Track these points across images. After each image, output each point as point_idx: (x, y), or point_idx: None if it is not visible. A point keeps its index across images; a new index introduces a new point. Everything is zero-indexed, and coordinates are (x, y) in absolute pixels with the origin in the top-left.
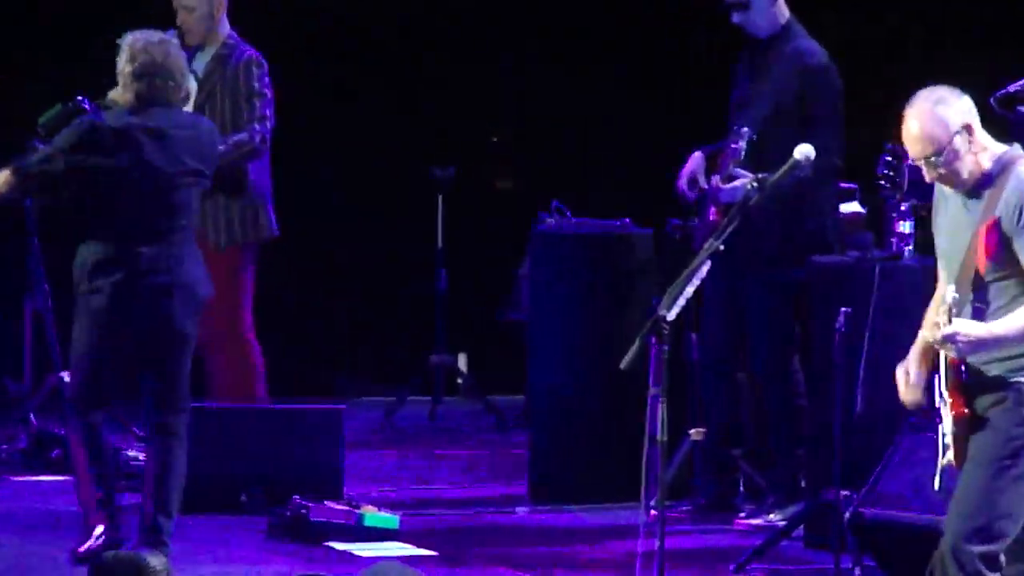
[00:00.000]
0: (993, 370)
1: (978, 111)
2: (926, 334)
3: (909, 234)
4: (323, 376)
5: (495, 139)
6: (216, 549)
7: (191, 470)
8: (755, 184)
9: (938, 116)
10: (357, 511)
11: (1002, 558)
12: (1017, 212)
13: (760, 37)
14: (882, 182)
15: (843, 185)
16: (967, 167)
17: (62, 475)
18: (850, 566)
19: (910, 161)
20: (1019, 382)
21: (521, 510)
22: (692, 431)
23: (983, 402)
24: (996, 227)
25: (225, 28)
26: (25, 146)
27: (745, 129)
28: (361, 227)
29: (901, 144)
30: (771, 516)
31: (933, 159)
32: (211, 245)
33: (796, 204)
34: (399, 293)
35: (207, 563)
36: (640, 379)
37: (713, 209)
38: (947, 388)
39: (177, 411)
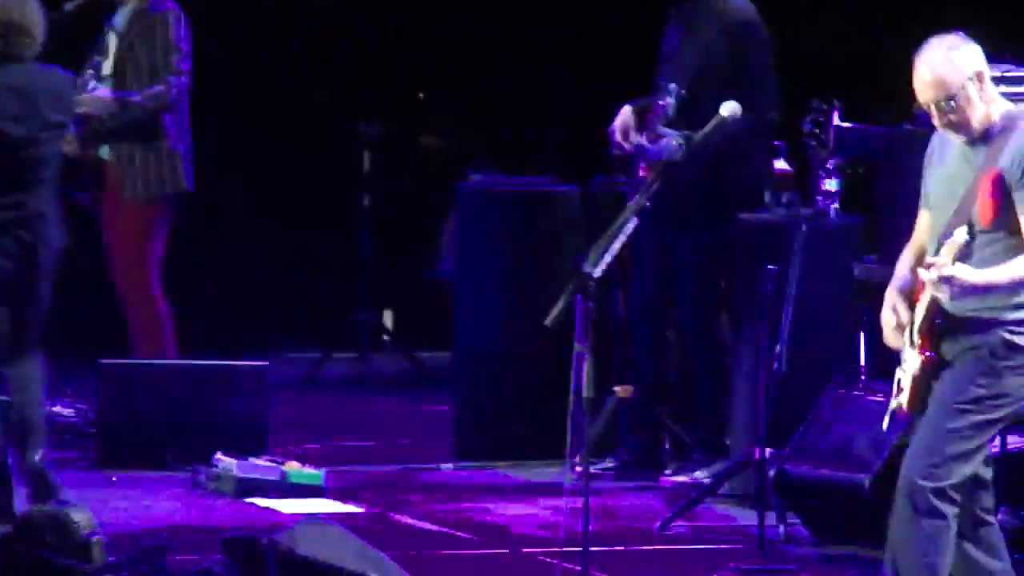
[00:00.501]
0: (972, 314)
1: (904, 69)
2: (922, 271)
3: (835, 192)
4: (248, 332)
5: (422, 95)
6: (141, 505)
7: (117, 426)
8: (681, 142)
9: (950, 61)
10: (282, 467)
11: (954, 494)
12: (1021, 165)
13: None
14: (808, 140)
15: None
16: (977, 114)
17: None
18: (775, 524)
19: (921, 108)
20: (994, 333)
21: (446, 467)
22: (617, 388)
23: (953, 348)
24: (999, 179)
25: None
26: None
27: (673, 86)
28: (287, 183)
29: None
30: (696, 474)
31: (944, 104)
32: (126, 198)
33: (726, 161)
34: (325, 249)
35: (132, 519)
36: (566, 336)
37: (641, 166)
38: (919, 331)
39: (32, 359)
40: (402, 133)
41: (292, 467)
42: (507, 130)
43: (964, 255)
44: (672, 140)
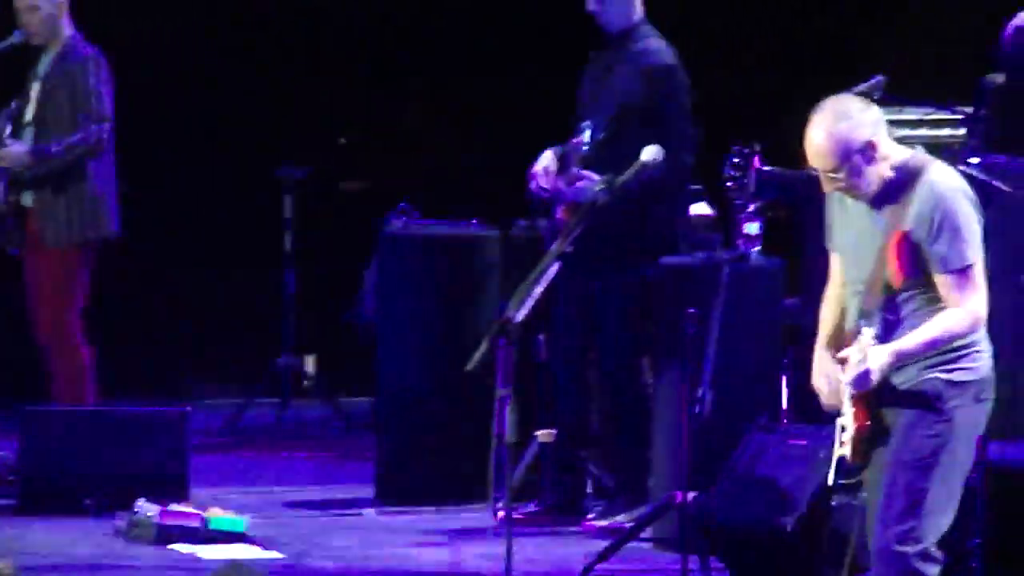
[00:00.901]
0: (902, 378)
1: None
2: (842, 379)
3: (757, 235)
4: (168, 378)
5: (343, 140)
6: (61, 552)
7: (38, 472)
8: (603, 186)
9: (840, 133)
10: (203, 514)
11: (936, 553)
12: (929, 223)
13: (610, 32)
14: (729, 184)
15: (691, 187)
16: (868, 181)
17: None
18: (698, 568)
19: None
20: (930, 379)
21: (368, 512)
22: (540, 432)
23: (892, 414)
24: (906, 239)
25: (68, 29)
26: None
27: (587, 123)
28: (209, 227)
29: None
30: (619, 517)
31: (832, 174)
32: (48, 243)
33: (646, 204)
34: (246, 294)
35: (52, 566)
36: (488, 380)
37: (560, 209)
38: (850, 399)
39: None
40: (323, 177)
41: (214, 513)
42: (429, 174)
43: (888, 322)
44: (591, 183)
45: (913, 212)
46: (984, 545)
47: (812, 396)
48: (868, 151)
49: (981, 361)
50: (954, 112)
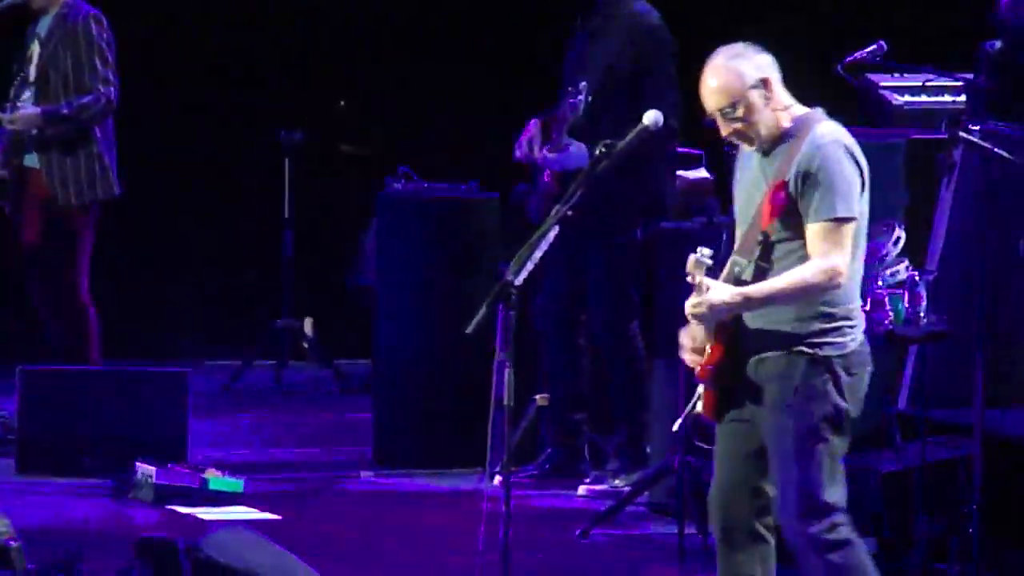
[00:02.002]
0: (768, 337)
1: (825, 78)
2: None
3: None
4: (168, 339)
5: (342, 103)
6: (59, 512)
7: (37, 432)
8: (603, 149)
9: (733, 68)
10: (202, 474)
11: (840, 519)
12: (804, 174)
13: None
14: (728, 148)
15: (689, 151)
16: (764, 123)
17: None
18: (695, 533)
19: (707, 118)
20: (796, 355)
21: (366, 475)
22: (538, 396)
23: (758, 370)
24: (783, 187)
25: None
26: None
27: (583, 84)
28: (208, 190)
29: None
30: (616, 482)
31: (728, 111)
32: (58, 204)
33: (635, 167)
34: (246, 256)
35: (49, 525)
36: (487, 344)
37: (547, 174)
38: (711, 337)
39: None
40: (323, 141)
41: (212, 474)
42: (428, 137)
43: (761, 269)
44: (578, 149)
45: (793, 163)
46: (980, 511)
47: None
48: (764, 88)
49: (850, 335)
50: (955, 79)
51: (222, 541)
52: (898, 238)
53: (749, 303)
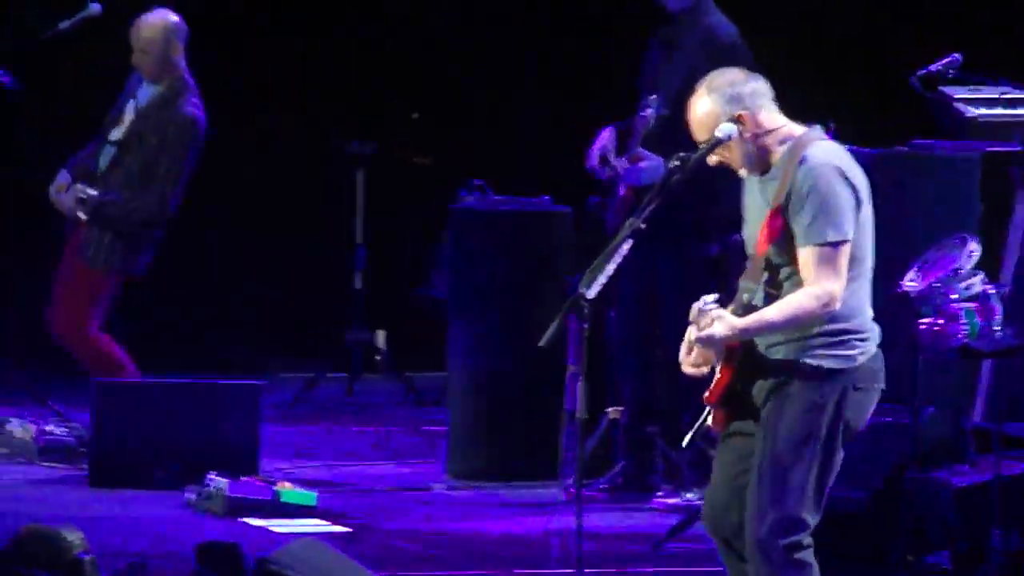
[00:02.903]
0: (774, 353)
1: (900, 91)
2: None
3: None
4: (241, 352)
5: (415, 115)
6: (132, 524)
7: (109, 444)
8: (677, 163)
9: (708, 105)
10: (274, 487)
11: (807, 541)
12: (797, 198)
13: (670, 11)
14: None
15: None
16: (745, 154)
17: None
18: None
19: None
20: (802, 364)
21: (438, 487)
22: (611, 410)
23: (763, 386)
24: (779, 212)
25: (179, 67)
26: None
27: (652, 97)
28: (281, 202)
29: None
30: (688, 495)
31: (705, 145)
32: (84, 262)
33: (710, 180)
34: (318, 269)
35: (122, 538)
36: (559, 357)
37: (623, 187)
38: (721, 361)
39: None
40: (395, 153)
41: (284, 487)
42: (501, 150)
43: (770, 295)
44: (652, 163)
45: (786, 187)
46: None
47: (885, 373)
48: (739, 123)
49: (859, 349)
50: None
51: (294, 554)
52: (972, 251)
53: (746, 334)
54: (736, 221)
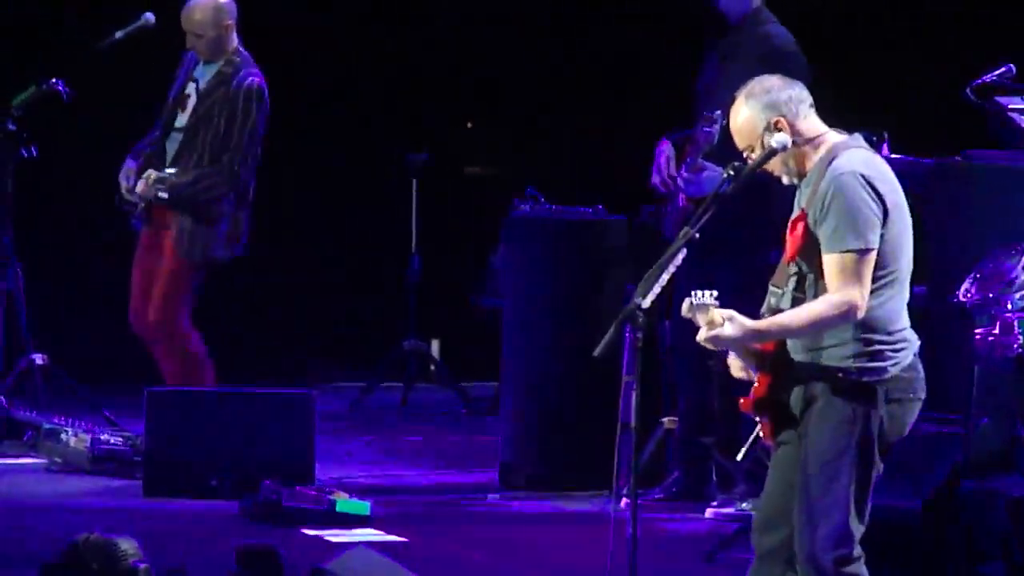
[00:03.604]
0: (807, 364)
1: (954, 101)
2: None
3: None
4: (296, 361)
5: (469, 125)
6: (187, 534)
7: (164, 454)
8: (731, 172)
9: (745, 113)
10: (329, 497)
11: (857, 552)
12: (821, 205)
13: (729, 18)
14: None
15: None
16: (782, 161)
17: (33, 458)
18: None
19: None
20: (835, 375)
21: (492, 497)
22: (665, 419)
23: (799, 396)
24: (803, 218)
25: (232, 43)
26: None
27: (717, 113)
28: (336, 212)
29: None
30: (743, 505)
31: (746, 152)
32: (174, 253)
33: (766, 189)
34: (373, 278)
35: (178, 547)
36: (614, 367)
37: (682, 198)
38: (756, 369)
39: None
40: (450, 162)
41: (338, 496)
42: (555, 159)
43: (797, 299)
44: (713, 173)
45: (816, 196)
46: None
47: (940, 383)
48: (776, 131)
49: (891, 360)
50: None
51: (349, 563)
52: None
53: (760, 337)
54: (781, 227)
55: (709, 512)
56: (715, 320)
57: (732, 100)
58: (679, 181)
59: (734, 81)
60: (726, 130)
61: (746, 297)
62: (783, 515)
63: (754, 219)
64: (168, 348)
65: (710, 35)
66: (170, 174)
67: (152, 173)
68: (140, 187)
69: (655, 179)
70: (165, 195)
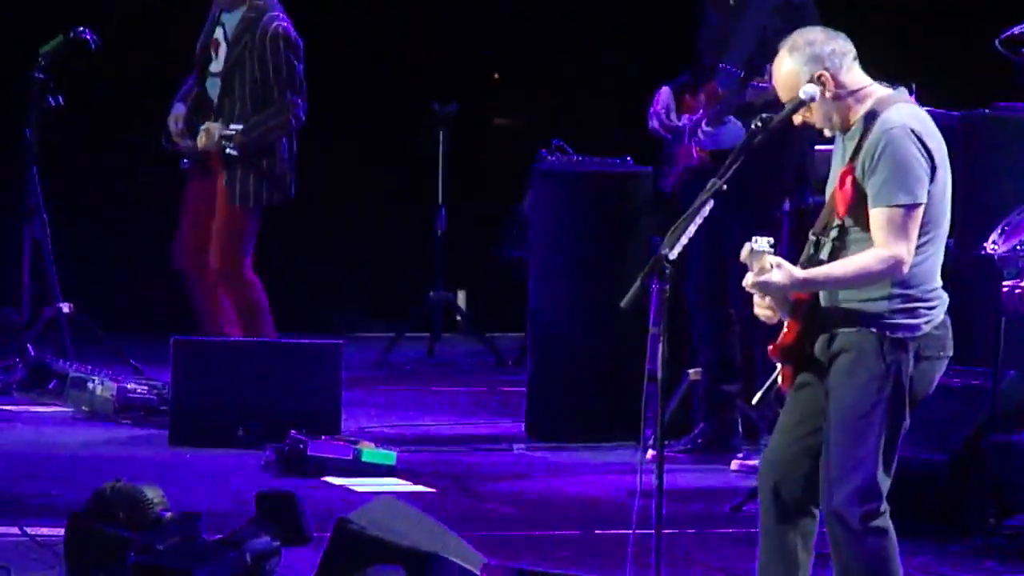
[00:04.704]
0: (840, 317)
1: (983, 53)
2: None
3: None
4: (322, 312)
5: (497, 76)
6: (212, 483)
7: (190, 403)
8: (759, 123)
9: (788, 66)
10: (355, 447)
11: (884, 507)
12: (870, 158)
13: None
14: None
15: None
16: (826, 115)
17: (59, 406)
18: None
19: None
20: (869, 330)
21: (518, 447)
22: (691, 371)
23: (827, 349)
24: (851, 172)
25: None
26: (27, 77)
27: (732, 68)
28: (362, 163)
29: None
30: None
31: (788, 106)
32: (232, 202)
33: (780, 140)
34: (399, 229)
35: (203, 496)
36: (640, 318)
37: (696, 151)
38: (788, 315)
39: None
40: (477, 114)
41: (365, 446)
42: (583, 111)
43: (837, 249)
44: (735, 126)
45: (862, 147)
46: None
47: (966, 336)
48: (820, 84)
49: (925, 317)
50: None
51: (374, 513)
52: None
53: (807, 286)
54: (803, 181)
55: (735, 464)
56: (765, 267)
57: (746, 52)
58: (699, 133)
59: (747, 33)
60: (740, 81)
61: None
62: (799, 458)
63: (766, 171)
64: (232, 295)
65: None
66: (236, 131)
67: (212, 127)
68: (202, 139)
69: (654, 123)
70: (235, 152)
